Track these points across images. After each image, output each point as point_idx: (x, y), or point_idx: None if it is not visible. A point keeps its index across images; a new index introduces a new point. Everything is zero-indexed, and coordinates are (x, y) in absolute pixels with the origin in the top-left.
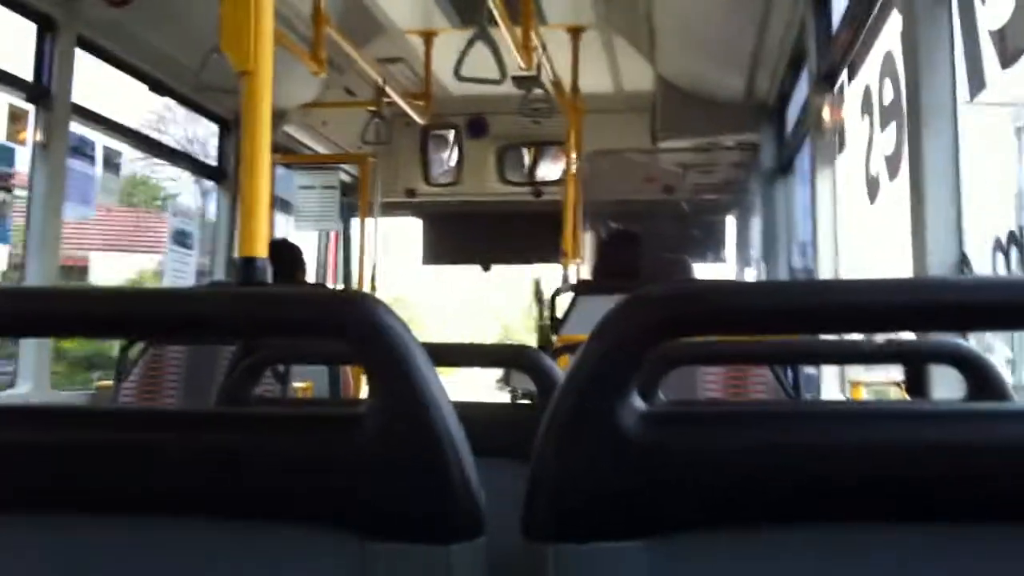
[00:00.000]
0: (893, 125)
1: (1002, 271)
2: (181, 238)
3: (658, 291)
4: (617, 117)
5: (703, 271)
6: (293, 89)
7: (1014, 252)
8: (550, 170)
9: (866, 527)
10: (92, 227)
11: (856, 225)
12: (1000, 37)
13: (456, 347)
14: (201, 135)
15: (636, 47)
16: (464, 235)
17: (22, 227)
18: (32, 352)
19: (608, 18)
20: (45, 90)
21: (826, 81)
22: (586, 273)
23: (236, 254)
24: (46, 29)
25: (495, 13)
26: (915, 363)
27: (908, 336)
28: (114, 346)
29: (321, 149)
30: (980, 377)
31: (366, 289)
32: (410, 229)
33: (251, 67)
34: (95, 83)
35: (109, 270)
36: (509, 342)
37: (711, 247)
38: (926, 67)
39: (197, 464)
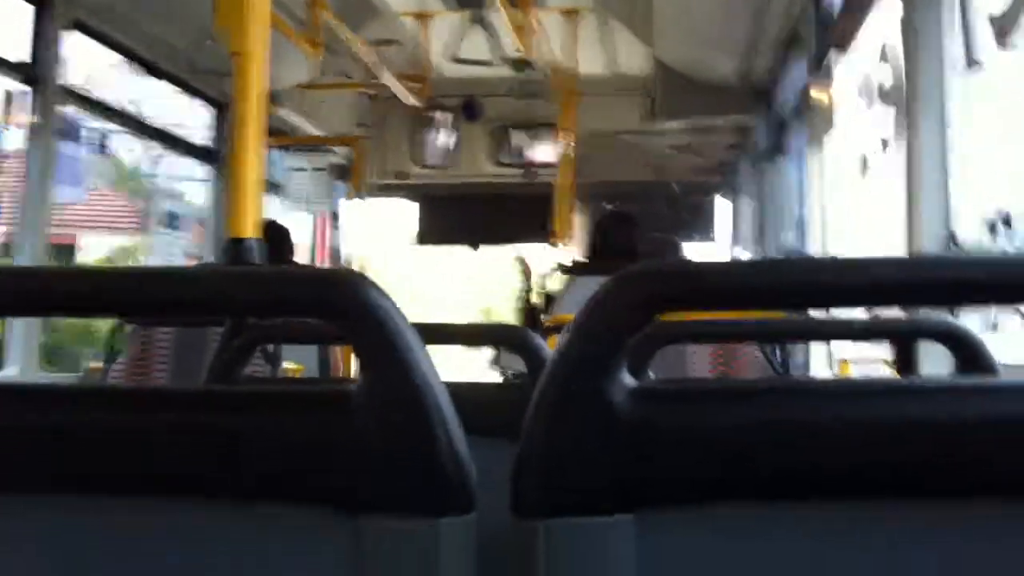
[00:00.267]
0: (884, 108)
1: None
2: (170, 220)
3: (645, 269)
4: (611, 99)
5: (695, 252)
6: (287, 71)
7: None
8: (544, 152)
9: (855, 503)
10: (82, 208)
11: (846, 205)
12: (998, 20)
13: (446, 326)
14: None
15: (632, 30)
16: (458, 216)
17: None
18: (20, 334)
19: (605, 1)
20: (38, 73)
21: (819, 65)
22: (578, 254)
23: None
24: (41, 11)
25: None
26: (903, 340)
27: (896, 313)
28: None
29: (314, 131)
30: (968, 354)
31: (356, 269)
32: (397, 212)
33: (244, 48)
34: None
35: (99, 247)
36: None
37: (703, 228)
38: (920, 50)
39: (187, 443)
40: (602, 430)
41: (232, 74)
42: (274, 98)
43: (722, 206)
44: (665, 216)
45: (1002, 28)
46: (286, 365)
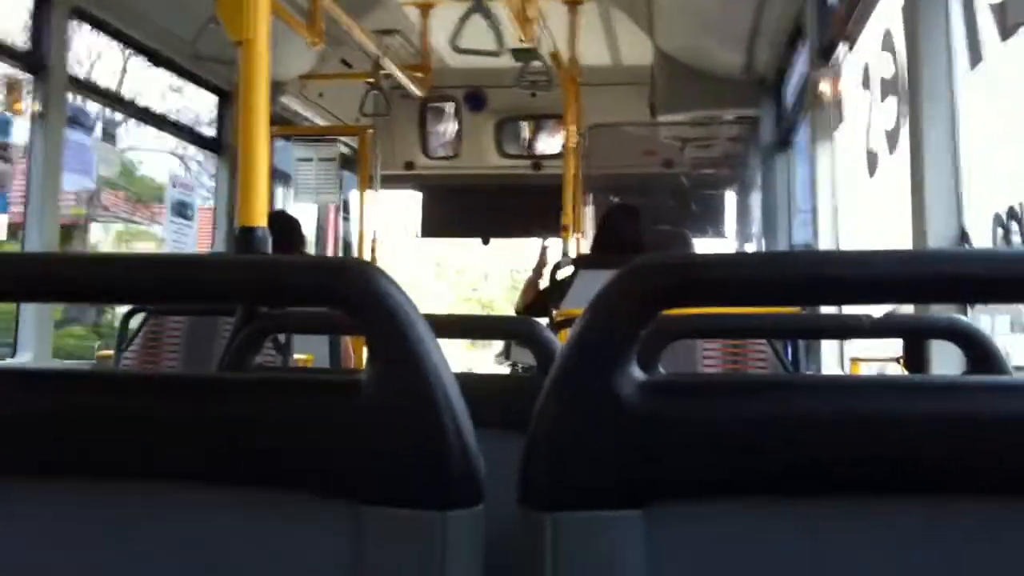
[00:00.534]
0: (892, 99)
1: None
2: (181, 209)
3: (655, 261)
4: (616, 90)
5: (703, 246)
6: (289, 60)
7: None
8: (549, 143)
9: (864, 500)
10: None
11: (855, 199)
12: (1000, 10)
13: (456, 318)
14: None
15: (634, 20)
16: (463, 208)
17: None
18: (32, 321)
19: None
20: (42, 61)
21: (825, 55)
22: (586, 247)
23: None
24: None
25: None
26: (914, 338)
27: (909, 311)
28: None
29: (320, 121)
30: (979, 352)
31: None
32: (398, 203)
33: (247, 36)
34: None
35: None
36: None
37: (711, 222)
38: (925, 40)
39: (194, 429)
40: (611, 424)
41: (237, 62)
42: (279, 88)
43: (731, 200)
44: (674, 210)
45: (1005, 17)
46: (297, 355)
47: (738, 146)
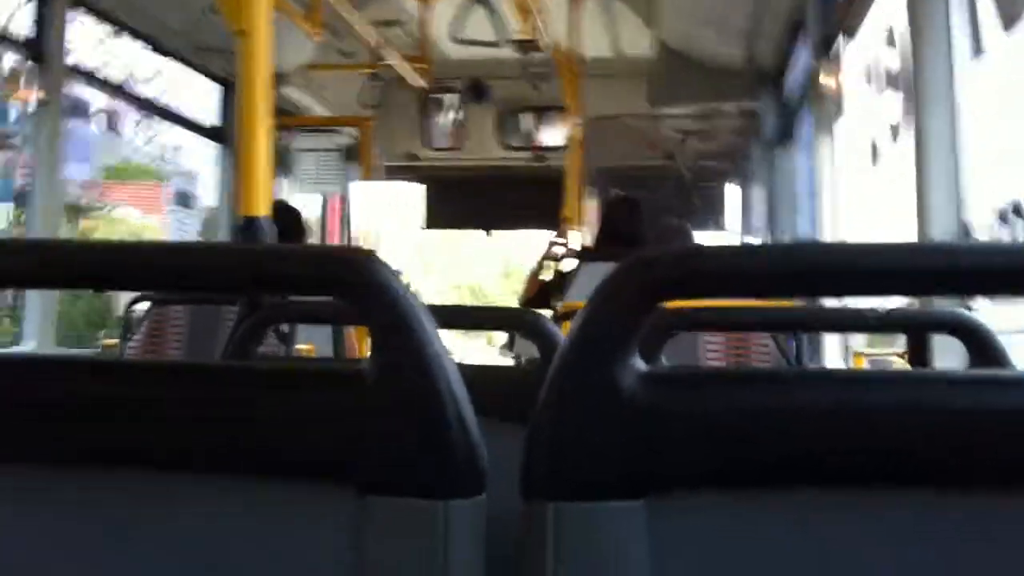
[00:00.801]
0: (893, 92)
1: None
2: (183, 199)
3: (657, 253)
4: (617, 82)
5: (705, 238)
6: (290, 51)
7: None
8: (551, 135)
9: (865, 491)
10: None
11: (858, 192)
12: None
13: (459, 309)
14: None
15: (636, 11)
16: (466, 199)
17: None
18: (37, 309)
19: None
20: (42, 50)
21: (825, 48)
22: (587, 239)
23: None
24: None
25: None
26: (917, 333)
27: (911, 305)
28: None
29: (322, 112)
30: (981, 347)
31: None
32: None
33: (246, 26)
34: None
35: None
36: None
37: (713, 214)
38: (927, 33)
39: (196, 418)
40: (613, 415)
41: (237, 53)
42: (280, 78)
43: (733, 193)
44: (676, 203)
45: (1008, 11)
46: (300, 345)
47: (739, 138)
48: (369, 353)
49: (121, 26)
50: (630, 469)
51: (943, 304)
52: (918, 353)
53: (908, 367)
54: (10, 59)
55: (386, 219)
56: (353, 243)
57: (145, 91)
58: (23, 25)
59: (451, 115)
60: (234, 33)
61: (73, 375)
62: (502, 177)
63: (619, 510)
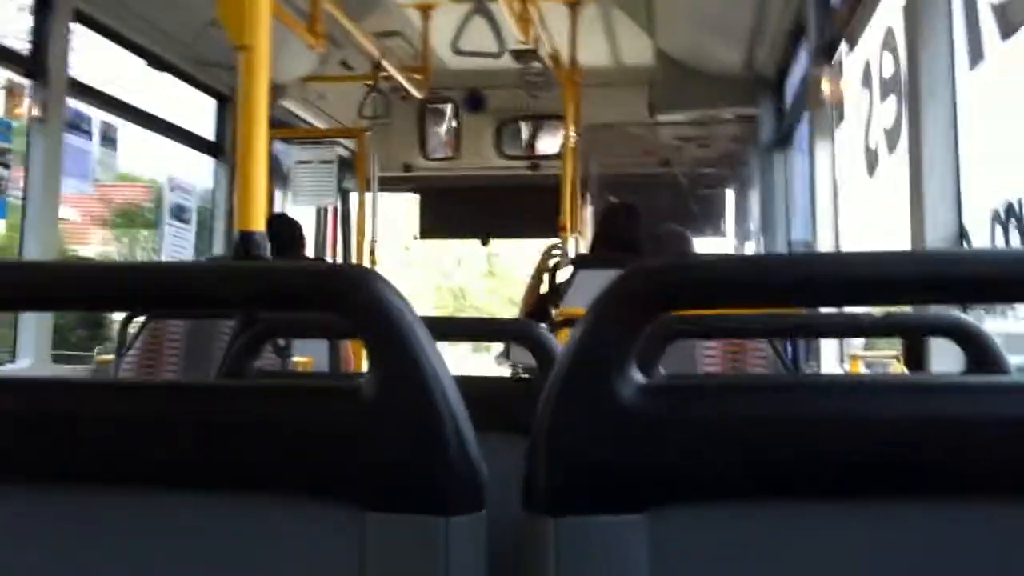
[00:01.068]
0: (892, 98)
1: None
2: (179, 213)
3: (655, 264)
4: (615, 91)
5: (702, 244)
6: (290, 63)
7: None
8: (548, 144)
9: (866, 500)
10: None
11: (855, 198)
12: (1000, 9)
13: (456, 320)
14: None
15: (635, 20)
16: (462, 209)
17: None
18: (32, 327)
19: None
20: (41, 65)
21: (825, 54)
22: (584, 247)
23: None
24: (43, 3)
25: None
26: (914, 337)
27: (907, 311)
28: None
29: (318, 124)
30: (979, 350)
31: (365, 264)
32: (402, 206)
33: (248, 41)
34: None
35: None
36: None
37: (710, 220)
38: (926, 39)
39: (196, 436)
40: (612, 428)
41: (237, 68)
42: (279, 91)
43: (731, 199)
44: (673, 209)
45: (1006, 16)
46: (296, 359)
47: (738, 145)
48: (366, 367)
49: (119, 40)
50: (630, 482)
51: (938, 307)
52: (915, 356)
53: (905, 370)
54: (10, 75)
55: (383, 230)
56: (350, 255)
57: (142, 105)
58: (23, 40)
59: (448, 125)
60: (235, 48)
61: (73, 395)
62: (499, 186)
63: (620, 523)
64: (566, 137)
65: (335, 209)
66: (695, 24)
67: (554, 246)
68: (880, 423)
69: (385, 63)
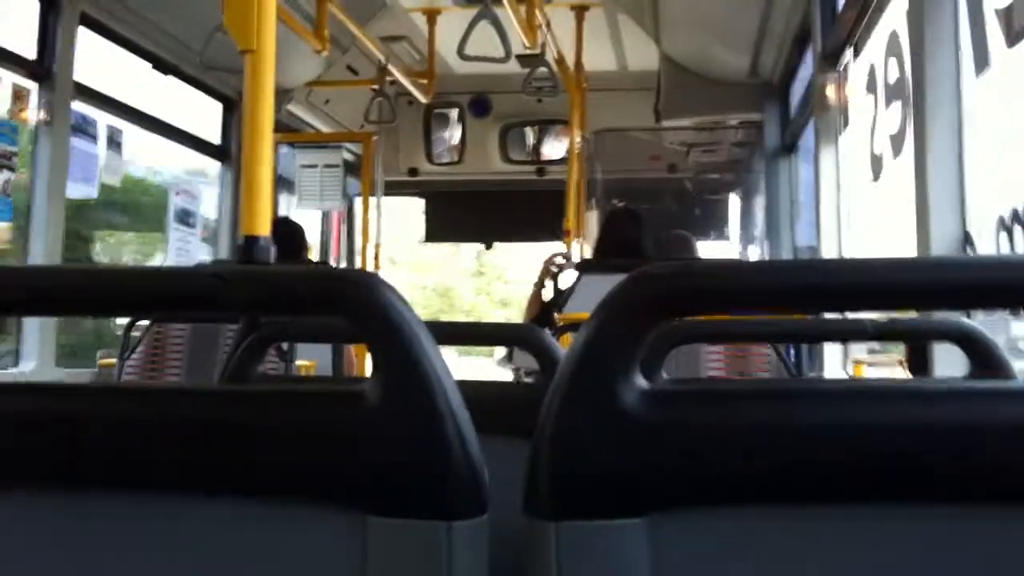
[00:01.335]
0: (897, 104)
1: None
2: (184, 217)
3: (660, 270)
4: (621, 95)
5: (707, 250)
6: (296, 67)
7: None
8: (554, 149)
9: (867, 506)
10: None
11: (860, 204)
12: (1006, 15)
13: (459, 325)
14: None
15: (640, 25)
16: (467, 213)
17: None
18: (36, 330)
19: None
20: (48, 69)
21: (830, 60)
22: (589, 252)
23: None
24: (49, 7)
25: None
26: (918, 342)
27: (911, 315)
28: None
29: (324, 128)
30: (983, 356)
31: (370, 268)
32: (408, 209)
33: (254, 45)
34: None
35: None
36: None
37: (715, 226)
38: (931, 45)
39: (199, 440)
40: (615, 433)
41: (243, 72)
42: (285, 95)
43: (735, 204)
44: (678, 214)
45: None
46: (300, 362)
47: (743, 150)
48: (369, 372)
49: (125, 44)
50: (632, 486)
51: (942, 312)
52: (918, 361)
53: (909, 375)
54: (16, 78)
55: (390, 234)
56: (355, 259)
57: (148, 108)
58: (30, 44)
59: (454, 129)
60: (241, 52)
61: (76, 398)
62: (504, 191)
63: (622, 528)
64: (571, 142)
65: (339, 213)
66: (701, 30)
67: (558, 254)
68: (882, 429)
69: (391, 67)
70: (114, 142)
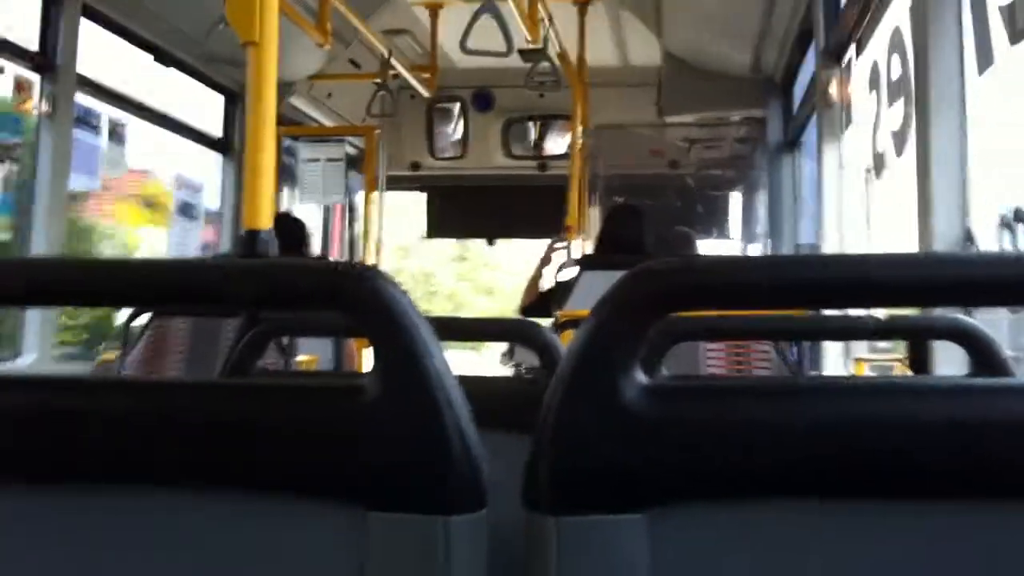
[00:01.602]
0: (900, 101)
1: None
2: (186, 210)
3: (661, 265)
4: (623, 91)
5: (708, 246)
6: (298, 61)
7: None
8: (556, 144)
9: (866, 502)
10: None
11: (862, 200)
12: (1009, 13)
13: (460, 321)
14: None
15: (643, 20)
16: (469, 208)
17: None
18: (36, 324)
19: None
20: (51, 60)
21: (833, 56)
22: (590, 248)
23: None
24: None
25: None
26: (918, 339)
27: (911, 312)
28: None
29: (326, 122)
30: (983, 353)
31: (371, 262)
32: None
33: (256, 38)
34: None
35: None
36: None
37: (717, 222)
38: (934, 42)
39: (198, 434)
40: (615, 428)
41: (245, 64)
42: (287, 88)
43: (737, 201)
44: (679, 210)
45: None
46: (300, 357)
47: (745, 146)
48: (370, 367)
49: (128, 36)
50: (633, 482)
51: (942, 309)
52: (919, 359)
53: (909, 373)
54: (19, 69)
55: (391, 229)
56: (356, 254)
57: (150, 101)
58: (32, 34)
59: (456, 124)
60: (243, 45)
61: (76, 392)
62: (506, 186)
63: (622, 523)
64: (574, 137)
65: (341, 207)
66: (703, 25)
67: (558, 238)
68: (881, 424)
69: (393, 61)
70: (116, 134)
